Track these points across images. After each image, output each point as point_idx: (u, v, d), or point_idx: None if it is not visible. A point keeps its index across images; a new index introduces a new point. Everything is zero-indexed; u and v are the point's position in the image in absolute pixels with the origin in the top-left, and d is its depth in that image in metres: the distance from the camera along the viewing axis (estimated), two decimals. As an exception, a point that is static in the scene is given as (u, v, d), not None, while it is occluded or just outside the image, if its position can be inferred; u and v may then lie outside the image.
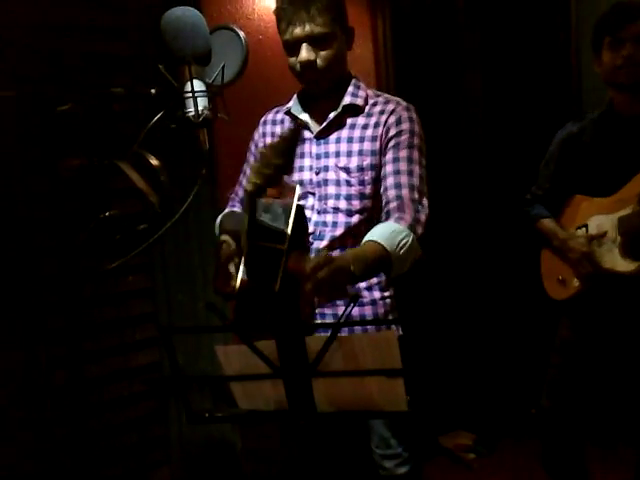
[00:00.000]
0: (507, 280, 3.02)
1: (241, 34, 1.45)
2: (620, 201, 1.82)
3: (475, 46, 3.03)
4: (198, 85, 1.36)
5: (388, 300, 1.65)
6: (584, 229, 1.92)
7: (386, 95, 1.64)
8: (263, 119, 1.76)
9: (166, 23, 1.35)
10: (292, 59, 1.54)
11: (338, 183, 1.57)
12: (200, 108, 1.36)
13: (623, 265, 1.81)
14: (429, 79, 2.92)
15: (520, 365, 3.01)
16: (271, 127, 1.73)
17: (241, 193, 1.74)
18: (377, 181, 1.55)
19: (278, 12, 1.55)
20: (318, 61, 1.51)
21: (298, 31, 1.49)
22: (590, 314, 1.96)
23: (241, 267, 1.35)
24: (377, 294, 1.64)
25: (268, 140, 1.70)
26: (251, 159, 1.75)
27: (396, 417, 1.62)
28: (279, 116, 1.73)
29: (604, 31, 1.82)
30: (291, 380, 1.22)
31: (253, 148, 1.76)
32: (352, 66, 2.79)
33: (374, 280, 1.62)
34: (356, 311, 1.62)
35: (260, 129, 1.75)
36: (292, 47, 1.52)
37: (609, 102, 1.93)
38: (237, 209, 1.73)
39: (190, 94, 1.35)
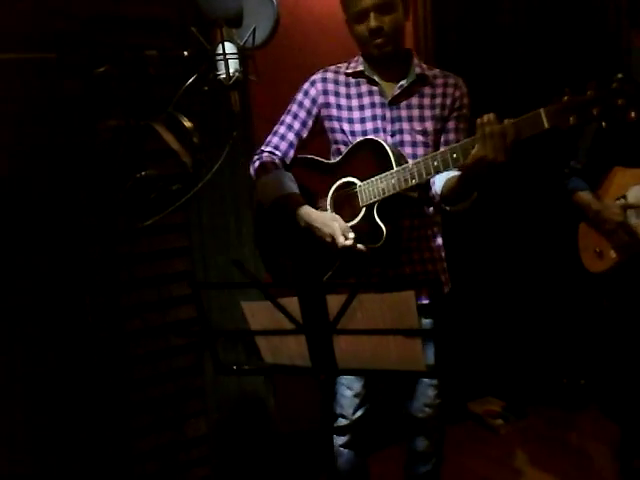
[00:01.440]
0: (541, 250, 2.98)
1: (273, -4, 1.46)
2: None
3: (516, 12, 2.93)
4: (230, 47, 1.39)
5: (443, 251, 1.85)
6: (622, 200, 1.93)
7: (436, 69, 1.81)
8: (321, 76, 1.81)
9: (199, -15, 1.37)
10: (360, 27, 1.68)
11: (414, 144, 1.73)
12: (231, 70, 1.39)
13: None
14: (468, 47, 2.84)
15: (550, 333, 2.99)
16: (334, 86, 1.79)
17: (284, 147, 1.82)
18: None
19: None
20: (385, 27, 1.66)
21: (366, 1, 1.63)
22: (630, 286, 1.95)
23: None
24: (440, 240, 1.84)
25: (332, 99, 1.78)
26: (301, 113, 1.81)
27: (413, 376, 1.67)
28: (341, 77, 1.80)
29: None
30: (313, 336, 1.27)
31: (308, 103, 1.81)
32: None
33: (435, 229, 1.83)
34: (419, 267, 1.79)
35: (319, 86, 1.80)
36: (361, 17, 1.66)
37: None
38: (277, 164, 1.80)
39: (222, 56, 1.38)
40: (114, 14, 1.70)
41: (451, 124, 1.76)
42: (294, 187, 1.75)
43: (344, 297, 1.21)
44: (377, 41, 1.67)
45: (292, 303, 1.23)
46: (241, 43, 1.41)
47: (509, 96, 2.91)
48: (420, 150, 1.73)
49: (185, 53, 1.33)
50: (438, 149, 1.71)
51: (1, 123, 1.46)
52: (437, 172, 1.54)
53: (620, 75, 1.29)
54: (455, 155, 1.50)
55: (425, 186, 1.75)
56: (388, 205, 1.63)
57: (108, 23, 1.67)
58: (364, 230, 1.63)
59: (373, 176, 1.63)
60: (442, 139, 1.75)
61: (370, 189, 1.64)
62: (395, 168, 1.59)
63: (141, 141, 1.39)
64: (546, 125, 1.37)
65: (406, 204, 1.67)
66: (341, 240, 1.59)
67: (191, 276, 2.24)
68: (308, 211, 1.69)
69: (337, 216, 1.66)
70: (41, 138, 1.54)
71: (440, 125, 1.74)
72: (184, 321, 2.21)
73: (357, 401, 1.85)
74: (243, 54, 1.42)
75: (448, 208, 1.68)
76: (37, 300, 1.88)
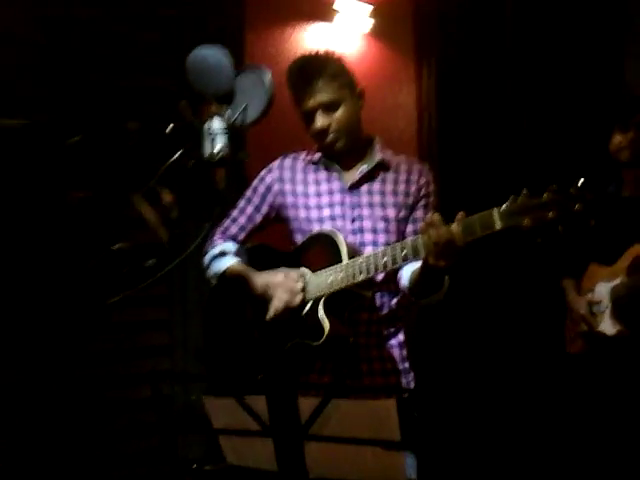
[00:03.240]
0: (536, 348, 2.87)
1: (267, 76, 1.43)
2: (615, 272, 2.05)
3: (522, 91, 2.97)
4: (218, 124, 1.35)
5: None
6: (590, 294, 2.11)
7: (401, 155, 1.75)
8: (278, 163, 1.76)
9: (192, 61, 1.34)
10: (310, 127, 1.64)
11: (375, 231, 1.65)
12: (218, 147, 1.34)
13: (608, 328, 2.01)
14: (472, 125, 2.85)
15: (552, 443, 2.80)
16: (291, 173, 1.73)
17: (234, 230, 1.75)
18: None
19: (290, 87, 1.65)
20: (332, 125, 1.61)
21: (310, 102, 1.60)
22: (593, 375, 2.09)
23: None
24: (401, 337, 1.70)
25: (287, 186, 1.71)
26: (255, 199, 1.75)
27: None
28: (299, 164, 1.74)
29: (614, 120, 2.12)
30: (282, 440, 1.14)
31: (262, 189, 1.75)
32: (395, 112, 2.81)
33: (398, 324, 1.70)
34: (377, 365, 1.65)
35: (275, 173, 1.74)
36: (308, 117, 1.63)
37: (618, 182, 2.14)
38: (230, 245, 1.73)
39: (209, 133, 1.34)
40: (116, 83, 1.69)
41: (418, 213, 1.67)
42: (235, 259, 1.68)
43: (317, 400, 1.09)
44: (326, 140, 1.62)
45: (259, 402, 1.12)
46: (231, 120, 1.37)
47: (513, 176, 2.88)
48: (381, 237, 1.64)
49: (169, 128, 1.28)
50: (401, 237, 1.64)
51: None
52: (386, 268, 1.45)
53: (580, 180, 1.24)
54: (404, 252, 1.42)
55: (394, 279, 1.64)
56: (336, 301, 1.52)
57: (106, 91, 1.65)
58: (307, 325, 1.52)
59: (324, 268, 1.53)
60: (409, 229, 1.66)
61: (318, 282, 1.54)
62: (345, 261, 1.50)
63: (117, 212, 1.32)
64: (498, 226, 1.29)
65: (357, 301, 1.56)
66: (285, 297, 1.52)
67: (170, 351, 2.13)
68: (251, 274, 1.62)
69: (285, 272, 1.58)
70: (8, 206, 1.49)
71: (404, 213, 1.66)
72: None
73: None
74: (232, 131, 1.37)
75: (419, 301, 1.58)
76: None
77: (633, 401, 1.99)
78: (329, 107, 1.60)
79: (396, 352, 1.68)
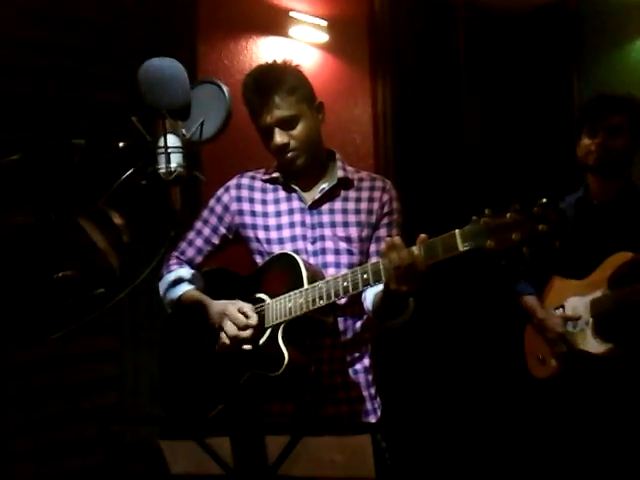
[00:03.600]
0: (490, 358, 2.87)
1: (225, 90, 1.35)
2: (592, 284, 1.92)
3: (475, 107, 3.02)
4: (172, 140, 1.26)
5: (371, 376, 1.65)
6: (561, 309, 2.00)
7: (363, 171, 1.70)
8: (235, 182, 1.68)
9: (144, 73, 1.25)
10: (269, 144, 1.57)
11: (337, 252, 1.59)
12: (173, 165, 1.25)
13: (594, 346, 1.89)
14: (428, 140, 2.85)
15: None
16: (249, 192, 1.66)
17: (190, 253, 1.67)
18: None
19: (246, 102, 1.59)
20: (291, 142, 1.55)
21: (267, 119, 1.53)
22: (569, 396, 1.99)
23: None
24: (367, 361, 1.64)
25: (246, 206, 1.64)
26: (212, 219, 1.67)
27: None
28: (257, 183, 1.67)
29: (583, 120, 2.03)
30: (247, 484, 1.05)
31: (219, 210, 1.67)
32: (350, 127, 2.78)
33: (363, 348, 1.64)
34: (342, 393, 1.59)
35: (233, 192, 1.67)
36: (266, 133, 1.56)
37: (585, 188, 2.05)
38: (186, 271, 1.64)
39: (163, 149, 1.24)
40: (45, 93, 1.57)
41: (382, 232, 1.61)
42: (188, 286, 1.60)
43: (286, 439, 1.01)
44: (286, 157, 1.56)
45: (222, 444, 1.03)
46: (186, 136, 1.28)
47: (471, 191, 2.90)
48: (344, 258, 1.58)
49: (120, 144, 1.18)
50: (365, 257, 1.60)
51: None
52: (347, 294, 1.40)
53: (543, 200, 1.19)
54: (365, 276, 1.36)
55: (358, 301, 1.58)
56: (296, 328, 1.45)
57: (36, 103, 1.53)
58: (265, 355, 1.45)
59: (283, 294, 1.47)
60: (372, 248, 1.60)
61: (277, 308, 1.47)
62: (305, 286, 1.44)
63: (61, 238, 1.20)
64: (461, 248, 1.24)
65: (318, 328, 1.50)
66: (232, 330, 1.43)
67: (119, 383, 1.98)
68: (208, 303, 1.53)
69: (236, 302, 1.49)
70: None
71: (367, 232, 1.60)
72: (109, 436, 1.92)
73: None
74: (188, 148, 1.28)
75: (383, 324, 1.53)
76: None
77: (632, 418, 1.87)
78: (288, 123, 1.53)
79: (361, 377, 1.62)
